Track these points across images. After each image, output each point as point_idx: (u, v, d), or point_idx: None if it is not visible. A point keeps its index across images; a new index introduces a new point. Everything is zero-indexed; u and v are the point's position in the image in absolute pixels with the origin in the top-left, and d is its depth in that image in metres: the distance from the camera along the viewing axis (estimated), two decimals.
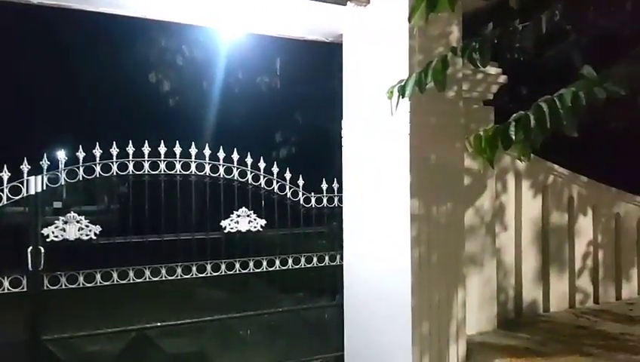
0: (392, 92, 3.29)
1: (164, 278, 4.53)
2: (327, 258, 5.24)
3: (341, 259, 5.24)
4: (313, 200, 5.20)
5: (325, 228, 5.32)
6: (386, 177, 4.57)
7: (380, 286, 4.63)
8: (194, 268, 4.63)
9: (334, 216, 5.29)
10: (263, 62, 8.36)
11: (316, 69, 6.65)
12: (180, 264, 4.57)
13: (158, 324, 4.55)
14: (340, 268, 5.23)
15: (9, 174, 4.05)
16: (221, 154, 4.77)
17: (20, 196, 4.10)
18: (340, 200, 5.27)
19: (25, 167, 4.11)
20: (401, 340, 4.34)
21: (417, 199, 4.34)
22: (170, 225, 4.58)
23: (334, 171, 5.28)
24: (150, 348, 4.47)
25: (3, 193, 4.05)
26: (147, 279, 4.46)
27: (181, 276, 4.59)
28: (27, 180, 4.11)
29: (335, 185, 5.29)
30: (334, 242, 5.27)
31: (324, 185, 5.26)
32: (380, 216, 4.66)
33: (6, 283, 4.03)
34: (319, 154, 6.15)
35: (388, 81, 3.47)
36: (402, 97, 3.23)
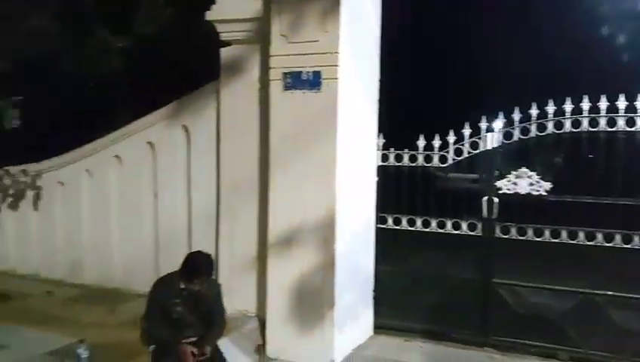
0: None
1: (617, 245, 4.13)
2: None
3: None
4: None
5: None
6: None
7: None
8: None
9: None
10: None
11: None
12: (638, 233, 4.05)
13: (609, 293, 4.20)
14: None
15: (470, 130, 4.56)
16: None
17: (478, 150, 4.55)
18: None
19: (483, 124, 4.52)
20: None
21: None
22: (627, 187, 4.09)
23: None
24: (598, 316, 4.20)
25: (464, 147, 4.59)
26: (598, 243, 4.18)
27: (639, 246, 4.06)
28: (484, 136, 4.52)
29: None
30: None
31: None
32: None
33: (464, 226, 4.61)
34: None
35: None
36: None
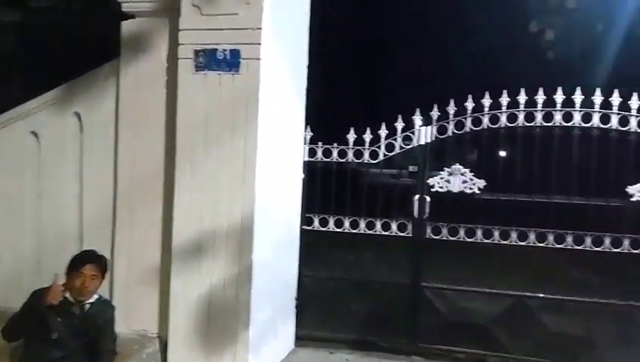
0: None
1: (549, 245, 3.99)
2: None
3: None
4: None
5: None
6: None
7: None
8: (588, 240, 3.90)
9: None
10: None
11: None
12: (571, 232, 3.93)
13: (540, 296, 4.06)
14: None
15: (403, 124, 4.21)
16: (635, 104, 3.79)
17: (410, 146, 4.23)
18: None
19: (417, 118, 4.20)
20: None
21: None
22: (562, 186, 3.97)
23: None
24: (529, 320, 4.04)
25: (396, 142, 4.25)
26: (531, 243, 4.01)
27: (572, 246, 3.94)
28: (418, 130, 4.20)
29: None
30: None
31: None
32: None
33: (394, 227, 4.27)
34: None
35: None
36: None
